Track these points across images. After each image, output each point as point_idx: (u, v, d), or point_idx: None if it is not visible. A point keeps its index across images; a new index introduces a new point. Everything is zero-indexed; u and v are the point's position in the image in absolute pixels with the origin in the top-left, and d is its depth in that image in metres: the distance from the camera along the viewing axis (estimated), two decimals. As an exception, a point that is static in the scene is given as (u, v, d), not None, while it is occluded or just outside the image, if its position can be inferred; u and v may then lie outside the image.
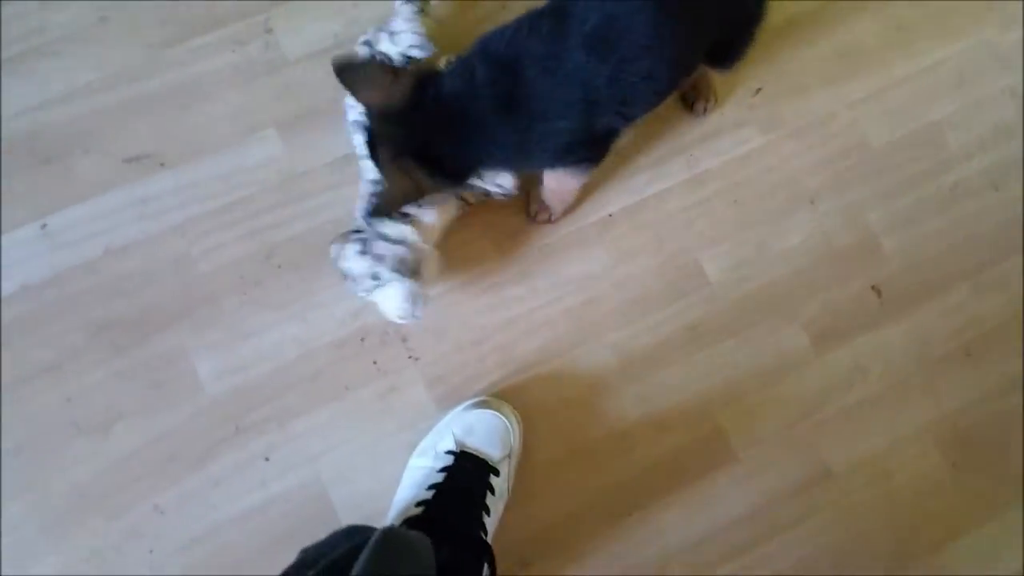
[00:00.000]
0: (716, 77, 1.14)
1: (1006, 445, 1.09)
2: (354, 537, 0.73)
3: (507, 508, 0.97)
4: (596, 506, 1.02)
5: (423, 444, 0.98)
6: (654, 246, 1.10)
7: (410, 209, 0.93)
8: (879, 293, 1.12)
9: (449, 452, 0.92)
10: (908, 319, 1.11)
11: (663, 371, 1.06)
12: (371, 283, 0.90)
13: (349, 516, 0.99)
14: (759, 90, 1.17)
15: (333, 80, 0.82)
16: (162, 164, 1.08)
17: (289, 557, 0.92)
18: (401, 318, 0.91)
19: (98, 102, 1.08)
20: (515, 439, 0.96)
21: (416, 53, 0.97)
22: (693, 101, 1.13)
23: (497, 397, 1.02)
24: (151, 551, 0.97)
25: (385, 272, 0.88)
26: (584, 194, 1.08)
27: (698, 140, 1.15)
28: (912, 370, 1.10)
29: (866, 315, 1.11)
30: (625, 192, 1.12)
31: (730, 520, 1.02)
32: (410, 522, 0.86)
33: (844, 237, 1.13)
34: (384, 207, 0.87)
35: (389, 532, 0.68)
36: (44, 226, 1.05)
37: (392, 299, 0.90)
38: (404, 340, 1.05)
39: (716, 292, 1.10)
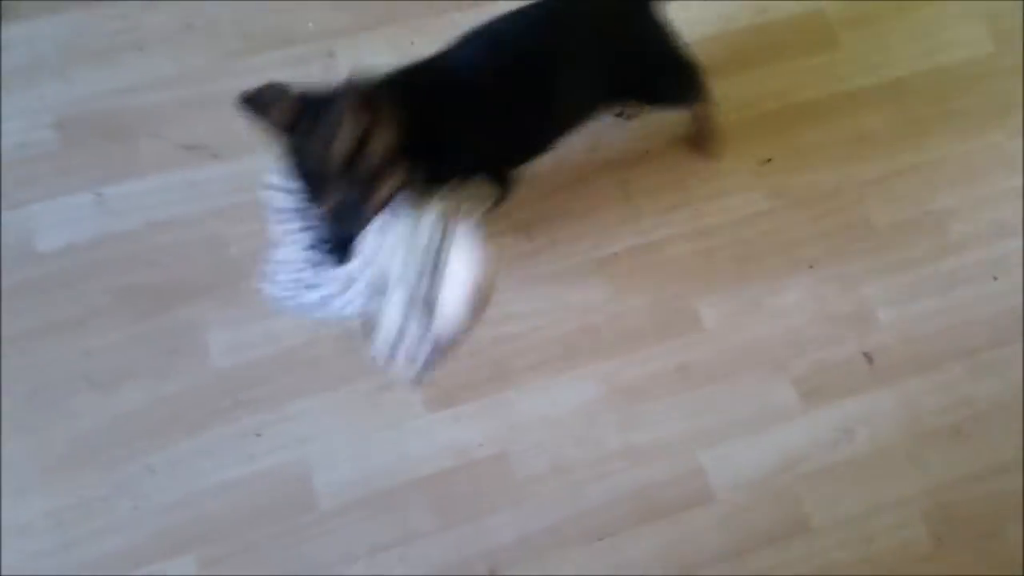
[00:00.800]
0: (722, 125, 1.21)
1: (993, 527, 1.07)
2: None
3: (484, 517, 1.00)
4: (569, 526, 1.02)
5: None
6: (654, 287, 1.16)
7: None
8: (871, 360, 1.14)
9: None
10: (898, 390, 1.13)
11: (648, 405, 1.09)
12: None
13: (327, 501, 1.02)
14: (769, 160, 1.25)
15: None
16: (215, 155, 1.18)
17: (264, 533, 0.96)
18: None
19: (170, 95, 1.21)
20: None
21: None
22: (698, 140, 1.22)
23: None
24: (135, 508, 1.00)
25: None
26: (591, 230, 1.16)
27: (705, 197, 1.22)
28: (899, 439, 1.10)
29: (856, 379, 1.13)
30: (632, 234, 1.18)
31: (701, 560, 1.02)
32: None
33: (839, 303, 1.17)
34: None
35: None
36: (99, 195, 1.15)
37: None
38: (406, 341, 1.10)
39: (709, 338, 1.13)
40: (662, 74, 1.07)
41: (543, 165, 1.21)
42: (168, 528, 0.99)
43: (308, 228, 0.85)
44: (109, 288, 1.11)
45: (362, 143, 0.76)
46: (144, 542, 0.98)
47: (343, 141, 0.75)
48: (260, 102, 0.79)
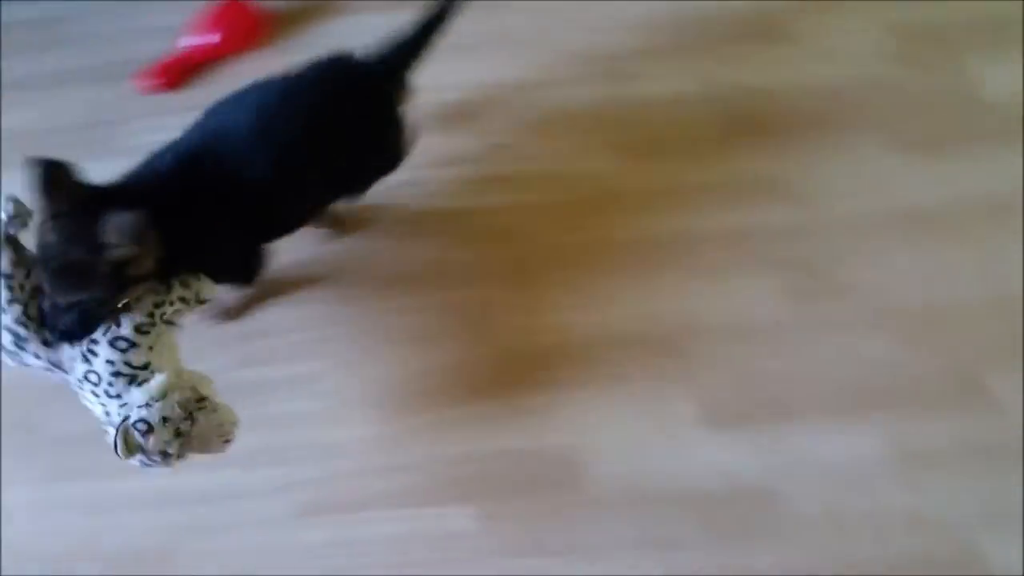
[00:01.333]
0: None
1: None
2: None
3: (746, 544, 1.01)
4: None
5: None
6: (945, 350, 1.12)
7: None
8: None
9: None
10: None
11: (933, 473, 1.04)
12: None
13: (596, 489, 1.06)
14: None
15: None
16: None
17: (535, 503, 1.02)
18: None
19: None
20: None
21: None
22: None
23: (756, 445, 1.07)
24: (427, 454, 1.11)
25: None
26: (880, 277, 1.17)
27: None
28: None
29: None
30: (923, 288, 1.17)
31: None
32: None
33: None
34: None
35: None
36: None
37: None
38: (686, 356, 1.14)
39: (1004, 415, 1.07)
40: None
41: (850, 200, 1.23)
42: (453, 478, 1.08)
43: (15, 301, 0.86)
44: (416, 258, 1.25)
45: (130, 260, 0.81)
46: (433, 485, 1.08)
47: (119, 253, 0.79)
48: (48, 177, 0.80)
